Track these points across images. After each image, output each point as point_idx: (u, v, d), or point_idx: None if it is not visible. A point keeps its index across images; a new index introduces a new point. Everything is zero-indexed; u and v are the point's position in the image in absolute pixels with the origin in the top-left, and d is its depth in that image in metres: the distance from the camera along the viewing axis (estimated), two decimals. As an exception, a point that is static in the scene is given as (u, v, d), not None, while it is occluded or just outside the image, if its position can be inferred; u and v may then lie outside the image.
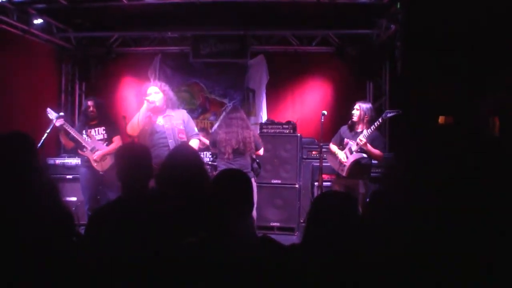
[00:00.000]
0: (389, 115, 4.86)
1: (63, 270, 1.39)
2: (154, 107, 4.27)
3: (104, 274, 1.73)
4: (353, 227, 1.62)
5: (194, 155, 2.70)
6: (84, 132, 5.22)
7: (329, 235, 1.64)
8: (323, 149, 5.14)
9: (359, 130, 4.76)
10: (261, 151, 5.10)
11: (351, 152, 4.72)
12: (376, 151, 4.62)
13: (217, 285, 1.66)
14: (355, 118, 4.75)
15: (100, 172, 5.18)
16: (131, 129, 4.29)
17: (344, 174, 4.73)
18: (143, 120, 4.22)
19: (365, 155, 4.68)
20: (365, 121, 4.73)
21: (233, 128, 4.92)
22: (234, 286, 1.66)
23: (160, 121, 4.31)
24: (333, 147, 4.91)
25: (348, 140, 4.76)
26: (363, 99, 7.12)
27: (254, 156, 5.07)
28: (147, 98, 4.23)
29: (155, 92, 4.32)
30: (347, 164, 4.71)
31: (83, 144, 5.15)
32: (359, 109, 4.74)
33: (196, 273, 1.68)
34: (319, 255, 1.59)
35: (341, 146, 4.77)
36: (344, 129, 4.86)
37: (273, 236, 1.94)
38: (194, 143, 4.44)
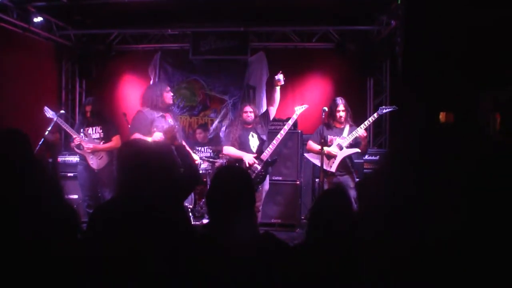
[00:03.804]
0: (384, 111, 4.88)
1: (68, 267, 1.39)
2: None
3: (106, 271, 1.73)
4: (353, 225, 1.63)
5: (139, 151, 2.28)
6: (81, 130, 5.26)
7: (331, 234, 1.65)
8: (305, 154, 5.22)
9: (342, 126, 4.86)
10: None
11: (341, 148, 4.80)
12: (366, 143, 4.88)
13: (219, 280, 1.67)
14: (343, 115, 4.82)
15: (95, 170, 5.21)
16: None
17: (333, 169, 4.78)
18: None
19: (358, 150, 4.80)
20: (348, 116, 4.86)
21: None
22: (235, 281, 1.67)
23: None
24: (315, 145, 4.91)
25: (333, 137, 4.84)
26: (363, 95, 7.17)
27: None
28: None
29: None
30: (339, 159, 4.77)
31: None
32: (344, 106, 4.83)
33: (198, 268, 1.68)
34: (323, 253, 1.60)
35: (325, 144, 4.77)
36: (322, 128, 4.83)
37: (273, 232, 1.95)
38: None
